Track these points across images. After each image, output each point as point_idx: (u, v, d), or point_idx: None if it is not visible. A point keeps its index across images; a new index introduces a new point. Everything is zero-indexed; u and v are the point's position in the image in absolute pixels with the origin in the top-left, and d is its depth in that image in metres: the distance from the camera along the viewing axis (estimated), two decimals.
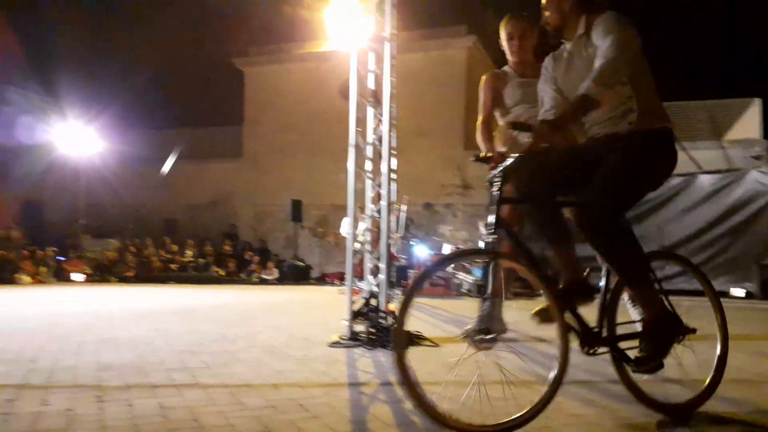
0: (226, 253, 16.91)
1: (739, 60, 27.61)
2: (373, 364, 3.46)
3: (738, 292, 11.47)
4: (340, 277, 14.43)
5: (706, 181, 12.58)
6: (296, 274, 15.11)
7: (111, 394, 2.55)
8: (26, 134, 17.39)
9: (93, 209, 17.93)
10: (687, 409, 2.39)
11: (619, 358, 2.34)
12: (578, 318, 2.30)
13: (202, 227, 19.55)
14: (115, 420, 2.16)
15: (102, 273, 15.10)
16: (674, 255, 2.97)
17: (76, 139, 17.00)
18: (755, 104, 14.97)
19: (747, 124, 15.03)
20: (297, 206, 16.04)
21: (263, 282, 14.96)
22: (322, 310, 7.05)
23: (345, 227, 11.97)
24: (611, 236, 2.31)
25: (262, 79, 20.60)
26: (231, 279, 15.15)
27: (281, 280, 15.02)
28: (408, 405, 2.49)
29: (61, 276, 14.30)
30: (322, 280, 15.52)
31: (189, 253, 16.67)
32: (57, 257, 14.92)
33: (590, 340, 2.31)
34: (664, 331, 2.35)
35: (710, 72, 23.82)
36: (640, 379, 2.37)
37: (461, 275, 10.82)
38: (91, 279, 14.66)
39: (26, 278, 12.92)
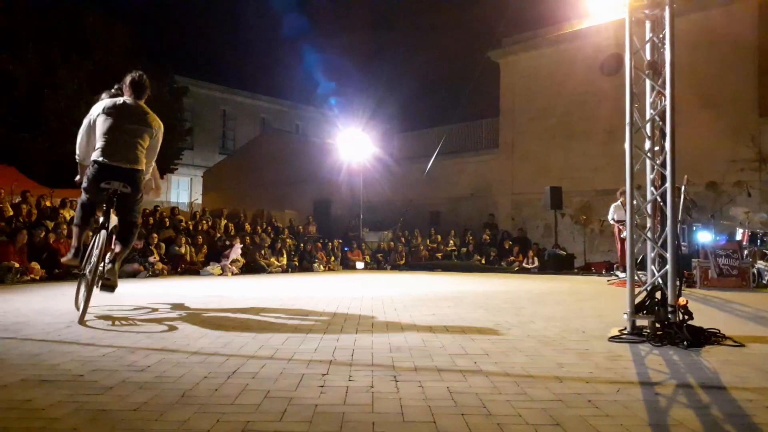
0: (485, 242, 17.27)
1: None
2: (664, 363, 3.13)
3: None
4: (607, 267, 13.53)
5: None
6: (558, 263, 14.62)
7: (403, 375, 2.76)
8: (319, 144, 20.25)
9: (370, 205, 19.99)
10: None
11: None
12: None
13: (464, 218, 20.26)
14: (410, 400, 2.33)
15: (378, 261, 16.76)
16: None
17: (355, 143, 19.18)
18: None
19: None
20: (556, 193, 15.52)
21: (523, 271, 14.85)
22: (592, 302, 6.68)
23: (612, 213, 11.17)
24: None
25: (517, 67, 20.43)
26: (492, 267, 15.38)
27: (542, 269, 14.71)
28: (716, 412, 2.20)
29: (345, 264, 16.28)
30: (586, 269, 14.74)
31: (452, 242, 17.45)
32: (343, 248, 17.06)
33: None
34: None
35: None
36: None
37: (761, 264, 9.23)
38: (369, 267, 16.38)
39: (320, 267, 14.99)
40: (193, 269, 12.16)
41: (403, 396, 2.39)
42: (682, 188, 10.53)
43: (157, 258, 11.47)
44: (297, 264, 14.67)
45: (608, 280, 10.49)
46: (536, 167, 19.11)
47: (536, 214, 18.79)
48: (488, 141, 21.50)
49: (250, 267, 13.05)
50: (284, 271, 13.89)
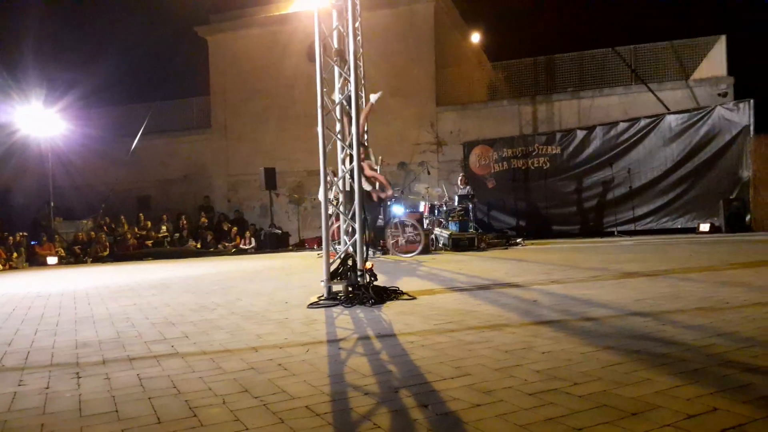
0: (202, 225, 16.78)
1: None
2: (351, 321, 3.50)
3: (705, 227, 11.81)
4: (319, 242, 14.46)
5: (673, 121, 12.76)
6: (274, 242, 15.07)
7: (88, 370, 2.55)
8: None
9: (63, 191, 17.54)
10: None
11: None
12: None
13: (177, 201, 19.32)
14: (92, 394, 2.16)
15: (75, 254, 14.90)
16: None
17: (40, 121, 16.49)
18: (720, 42, 15.02)
19: (713, 62, 15.14)
20: (270, 174, 15.87)
21: (240, 252, 14.92)
22: (301, 275, 7.07)
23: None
24: None
25: (226, 46, 20.10)
26: (208, 251, 15.07)
27: (259, 249, 14.99)
28: (385, 356, 2.55)
29: (34, 261, 14.08)
30: (301, 246, 15.52)
31: (164, 228, 16.49)
32: (30, 242, 14.68)
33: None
34: None
35: (677, 12, 23.91)
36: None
37: (438, 230, 10.92)
38: (65, 261, 14.47)
39: None
40: None
41: (84, 391, 2.21)
42: (377, 168, 11.78)
43: None
44: None
45: (318, 254, 11.20)
46: (251, 148, 19.23)
47: (252, 195, 18.97)
48: (200, 120, 20.81)
49: None
50: None
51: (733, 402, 1.68)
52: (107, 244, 15.27)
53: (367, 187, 8.43)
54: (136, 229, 16.31)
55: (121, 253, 14.78)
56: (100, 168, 19.20)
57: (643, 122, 13.07)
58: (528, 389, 1.92)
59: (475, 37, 22.57)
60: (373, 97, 8.89)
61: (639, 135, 13.05)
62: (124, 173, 19.26)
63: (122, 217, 16.81)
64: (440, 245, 10.68)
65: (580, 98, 16.05)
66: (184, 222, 16.86)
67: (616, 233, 12.78)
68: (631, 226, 12.97)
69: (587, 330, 2.85)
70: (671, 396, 1.77)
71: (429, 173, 14.55)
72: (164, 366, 2.56)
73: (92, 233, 15.71)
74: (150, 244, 15.55)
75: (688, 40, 15.37)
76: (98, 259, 14.50)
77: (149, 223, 16.65)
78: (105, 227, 16.28)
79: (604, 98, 15.81)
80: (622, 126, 13.38)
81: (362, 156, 8.73)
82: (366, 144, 8.81)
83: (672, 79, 15.15)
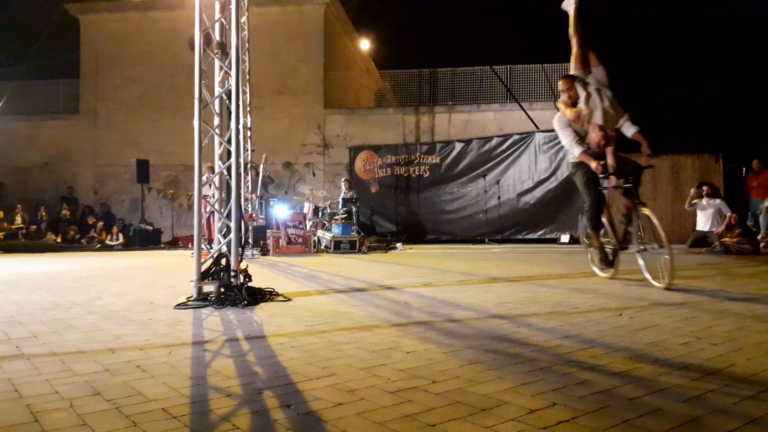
0: (63, 218, 15.45)
1: None
2: (221, 322, 3.40)
3: (564, 238, 12.87)
4: (194, 241, 13.90)
5: (541, 139, 13.77)
6: (144, 239, 14.24)
7: None
8: None
9: None
10: None
11: None
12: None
13: (35, 191, 17.63)
14: None
15: None
16: None
17: None
18: None
19: None
20: (143, 166, 14.97)
21: (106, 248, 13.94)
22: (171, 274, 6.76)
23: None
24: None
25: (100, 27, 18.71)
26: (69, 246, 13.91)
27: (127, 246, 14.09)
28: (252, 357, 2.51)
29: None
30: (174, 244, 14.80)
31: (18, 219, 14.96)
32: None
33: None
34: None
35: (548, 36, 25.90)
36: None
37: (321, 232, 10.93)
38: None
39: None
40: None
41: None
42: (261, 166, 11.58)
43: None
44: None
45: (192, 253, 10.76)
46: (123, 138, 18.04)
47: (122, 188, 17.79)
48: (67, 105, 19.17)
49: None
50: None
51: (570, 397, 1.85)
52: None
53: (574, 149, 5.16)
54: None
55: None
56: None
57: (514, 138, 14.00)
58: (390, 387, 1.98)
59: (365, 45, 22.89)
60: (570, 4, 5.29)
61: (510, 150, 13.96)
62: None
63: None
64: (322, 247, 10.70)
65: (460, 112, 16.83)
66: (44, 213, 15.43)
67: (486, 241, 13.54)
68: (498, 235, 13.81)
69: (451, 331, 3.00)
70: (518, 393, 1.91)
71: (314, 175, 14.53)
72: (5, 368, 2.33)
73: None
74: (1, 237, 14.04)
75: (557, 63, 16.67)
76: None
77: (1, 213, 15.02)
78: None
79: (481, 113, 16.70)
80: (495, 140, 14.23)
81: (566, 100, 5.15)
82: (585, 80, 5.11)
83: (542, 100, 16.35)
